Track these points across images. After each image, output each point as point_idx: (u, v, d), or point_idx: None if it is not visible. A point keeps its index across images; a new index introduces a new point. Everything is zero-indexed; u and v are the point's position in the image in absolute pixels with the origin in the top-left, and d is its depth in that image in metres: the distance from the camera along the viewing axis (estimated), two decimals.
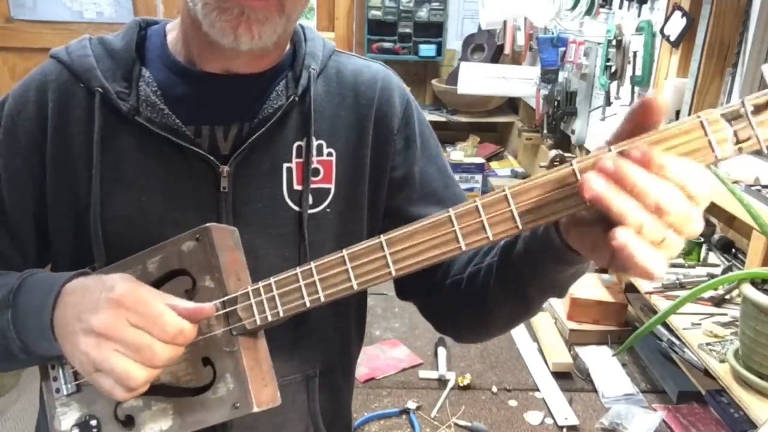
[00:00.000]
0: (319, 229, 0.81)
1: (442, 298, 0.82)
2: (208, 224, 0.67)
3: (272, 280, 0.64)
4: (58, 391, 0.74)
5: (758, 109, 0.47)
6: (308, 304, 0.63)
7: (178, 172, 0.76)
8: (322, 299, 0.62)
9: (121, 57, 0.78)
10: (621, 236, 0.48)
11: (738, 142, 0.48)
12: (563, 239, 0.60)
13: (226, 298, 0.66)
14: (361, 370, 1.40)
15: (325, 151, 0.82)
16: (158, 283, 0.68)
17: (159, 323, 0.61)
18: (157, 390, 0.68)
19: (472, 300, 0.77)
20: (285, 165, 0.79)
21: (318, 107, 0.81)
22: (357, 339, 0.92)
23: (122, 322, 0.60)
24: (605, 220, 0.51)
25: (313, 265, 0.62)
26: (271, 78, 0.80)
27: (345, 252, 0.60)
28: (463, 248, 0.56)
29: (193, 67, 0.78)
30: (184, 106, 0.76)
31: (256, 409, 0.65)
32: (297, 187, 0.79)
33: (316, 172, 0.81)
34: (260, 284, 0.65)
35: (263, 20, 0.69)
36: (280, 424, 0.84)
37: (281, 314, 0.64)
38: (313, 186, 0.80)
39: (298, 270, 0.63)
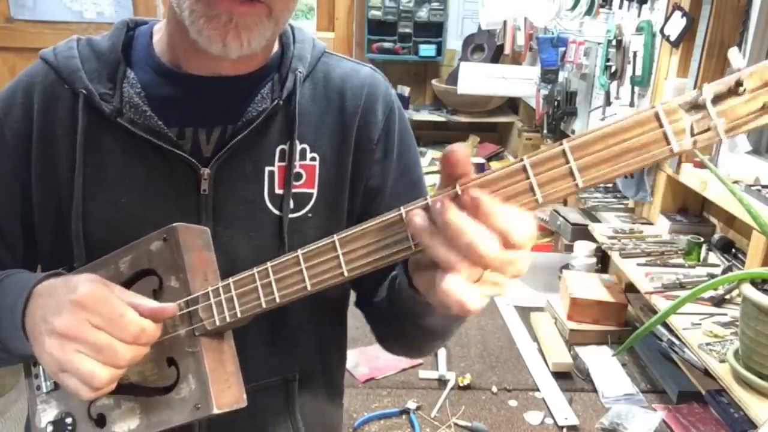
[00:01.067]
0: (299, 233, 0.79)
1: (373, 314, 0.84)
2: (175, 224, 0.67)
3: (231, 280, 0.64)
4: (38, 388, 0.75)
5: (719, 98, 0.44)
6: (264, 305, 0.62)
7: (159, 174, 0.75)
8: (278, 300, 0.61)
9: (106, 58, 0.77)
10: (439, 278, 0.50)
11: (696, 133, 0.45)
12: (413, 284, 0.62)
13: (189, 297, 0.66)
14: (361, 370, 1.40)
15: (308, 155, 0.81)
16: (128, 283, 0.68)
17: (120, 323, 0.61)
18: (126, 389, 0.69)
19: (387, 322, 0.79)
20: (267, 168, 0.78)
21: (303, 111, 0.80)
22: (336, 345, 0.91)
23: (83, 324, 0.61)
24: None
25: (269, 265, 0.61)
26: (257, 80, 0.79)
27: (300, 252, 0.59)
28: (413, 249, 0.54)
29: (178, 69, 0.77)
30: (167, 108, 0.76)
31: (216, 411, 0.65)
32: (278, 191, 0.79)
33: (299, 176, 0.80)
34: (220, 284, 0.65)
35: (252, 26, 0.68)
36: (260, 426, 0.84)
37: (239, 315, 0.64)
38: (294, 190, 0.79)
39: (255, 270, 0.62)
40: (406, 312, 0.68)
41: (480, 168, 2.88)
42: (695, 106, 0.45)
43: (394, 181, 0.86)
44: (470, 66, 2.78)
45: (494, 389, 1.36)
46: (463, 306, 0.50)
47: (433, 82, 3.57)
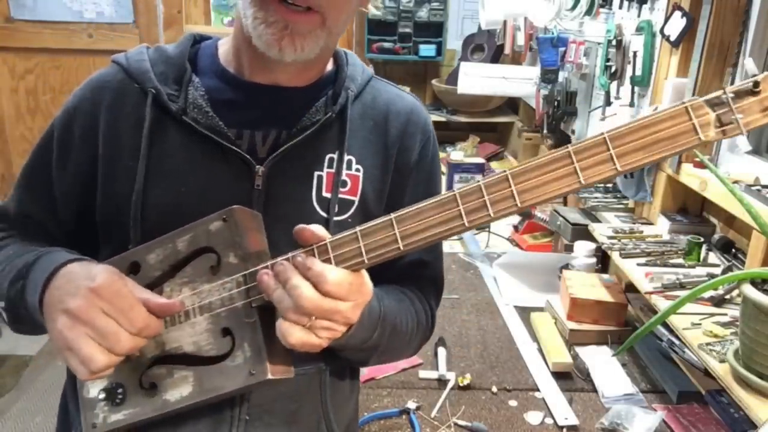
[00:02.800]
0: None
1: None
2: (234, 206, 0.73)
3: (290, 255, 0.69)
4: None
5: (739, 96, 0.54)
6: None
7: (218, 168, 0.83)
8: None
9: (174, 63, 0.86)
10: (276, 323, 0.67)
11: (721, 125, 0.54)
12: None
13: (247, 272, 0.72)
14: (361, 370, 1.40)
15: (354, 166, 0.88)
16: (186, 260, 0.74)
17: (129, 315, 0.68)
18: (179, 359, 0.74)
19: None
20: (316, 173, 0.86)
21: (352, 127, 0.88)
22: None
23: (95, 309, 0.67)
24: None
25: (328, 240, 0.68)
26: (312, 93, 0.87)
27: (357, 229, 0.66)
28: (466, 225, 0.61)
29: (241, 77, 0.85)
30: (228, 110, 0.84)
31: (270, 377, 0.70)
32: (326, 194, 0.86)
33: (344, 183, 0.87)
34: (279, 259, 0.70)
35: (306, 33, 0.76)
36: (295, 410, 0.89)
37: None
38: (340, 196, 0.86)
39: (314, 246, 0.68)
40: None
41: (480, 168, 2.88)
42: (719, 103, 0.54)
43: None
44: (470, 66, 2.78)
45: (494, 389, 1.36)
46: (289, 342, 0.67)
47: (433, 82, 3.57)
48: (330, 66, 0.91)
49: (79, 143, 0.84)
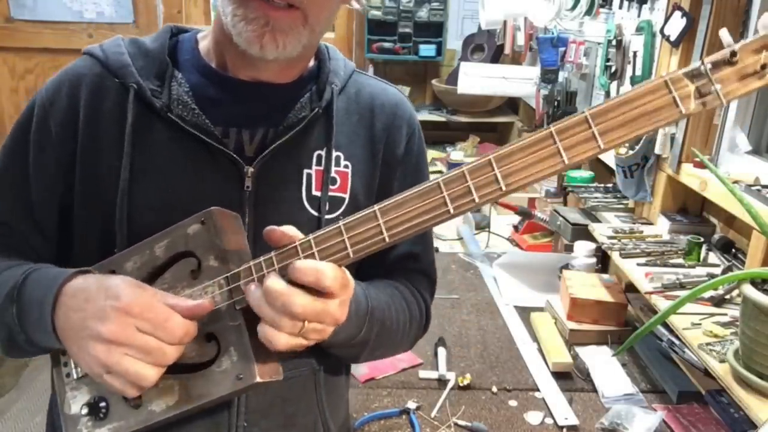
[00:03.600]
0: None
1: None
2: (211, 208, 0.71)
3: (273, 254, 0.68)
4: (68, 375, 0.77)
5: (716, 66, 0.53)
6: None
7: (205, 168, 0.80)
8: None
9: (154, 57, 0.82)
10: (260, 329, 0.66)
11: (701, 96, 0.54)
12: None
13: (229, 274, 0.70)
14: (361, 370, 1.40)
15: (342, 162, 0.87)
16: (165, 266, 0.72)
17: (167, 328, 0.66)
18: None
19: None
20: (305, 171, 0.84)
21: (338, 121, 0.86)
22: None
23: (131, 330, 0.64)
24: None
25: (311, 237, 0.66)
26: (296, 89, 0.86)
27: (341, 223, 0.65)
28: (452, 212, 0.60)
29: (224, 73, 0.83)
30: (213, 108, 0.81)
31: (258, 380, 0.68)
32: (315, 192, 0.84)
33: (334, 180, 0.86)
34: (261, 258, 0.68)
35: (287, 30, 0.74)
36: (292, 414, 0.88)
37: None
38: (330, 194, 0.85)
39: (297, 243, 0.67)
40: None
41: None
42: (698, 75, 0.54)
43: None
44: (470, 66, 2.78)
45: (494, 389, 1.36)
46: (274, 347, 0.66)
47: (433, 82, 3.57)
48: (312, 61, 0.89)
49: (56, 141, 0.80)
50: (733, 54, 0.53)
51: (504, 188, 0.59)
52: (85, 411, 0.75)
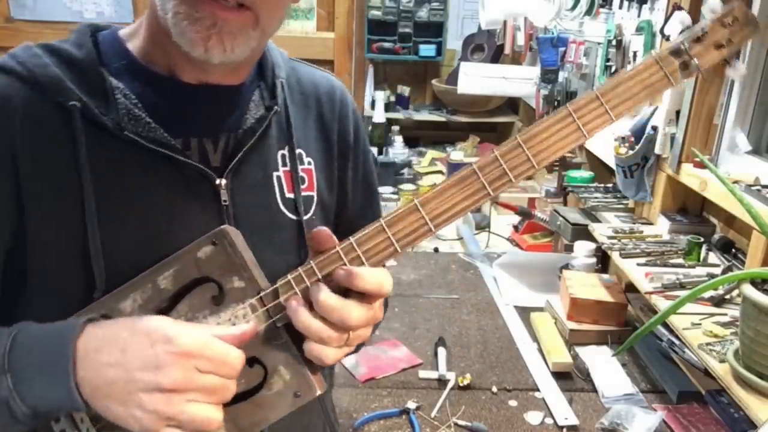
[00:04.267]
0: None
1: None
2: (222, 227, 0.68)
3: (312, 263, 0.66)
4: None
5: (694, 42, 0.67)
6: None
7: (175, 187, 0.73)
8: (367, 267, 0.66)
9: (85, 67, 0.71)
10: (304, 344, 0.65)
11: (685, 68, 0.67)
12: None
13: (263, 293, 0.67)
14: (361, 370, 1.40)
15: (305, 159, 0.83)
16: (177, 297, 0.66)
17: (228, 362, 0.62)
18: None
19: None
20: (275, 174, 0.80)
21: (292, 117, 0.82)
22: None
23: (193, 373, 0.60)
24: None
25: (352, 239, 0.66)
26: (248, 89, 0.80)
27: (382, 221, 0.66)
28: (491, 193, 0.66)
29: (170, 77, 0.74)
30: (167, 118, 0.72)
31: (318, 393, 0.66)
32: (289, 195, 0.81)
33: (303, 180, 0.82)
34: (300, 270, 0.67)
35: (236, 33, 0.67)
36: (306, 423, 0.88)
37: None
38: (302, 193, 0.82)
39: (339, 247, 0.66)
40: None
41: None
42: (677, 52, 0.67)
43: (359, 187, 0.92)
44: (470, 66, 2.78)
45: (494, 389, 1.36)
46: (324, 363, 0.65)
47: (433, 82, 3.57)
48: None
49: None
50: (704, 33, 0.67)
51: (536, 165, 0.66)
52: None
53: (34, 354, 0.62)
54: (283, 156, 0.81)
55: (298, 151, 0.82)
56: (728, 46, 0.67)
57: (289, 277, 0.67)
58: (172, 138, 0.72)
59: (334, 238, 0.67)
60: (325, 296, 0.63)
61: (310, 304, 0.66)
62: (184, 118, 0.74)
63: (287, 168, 0.81)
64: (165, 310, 0.67)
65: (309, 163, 0.84)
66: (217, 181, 0.74)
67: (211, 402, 0.61)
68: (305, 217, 0.81)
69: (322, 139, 0.86)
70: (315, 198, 0.84)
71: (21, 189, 0.68)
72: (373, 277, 0.64)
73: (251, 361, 0.67)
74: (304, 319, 0.64)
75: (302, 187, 0.82)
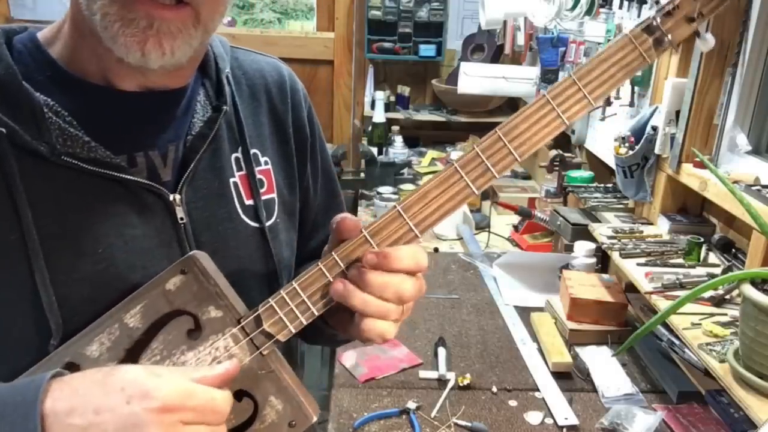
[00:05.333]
0: (276, 240, 0.78)
1: None
2: (190, 253, 0.63)
3: (294, 284, 0.63)
4: None
5: (665, 17, 0.65)
6: None
7: (125, 210, 0.66)
8: None
9: (5, 85, 0.61)
10: (362, 322, 0.63)
11: (658, 45, 0.65)
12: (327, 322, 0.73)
13: (244, 321, 0.62)
14: (361, 370, 1.40)
15: (261, 160, 0.78)
16: (148, 335, 0.61)
17: (214, 409, 0.57)
18: None
19: None
20: (231, 180, 0.74)
21: (241, 115, 0.76)
22: None
23: (178, 427, 0.54)
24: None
25: (335, 254, 0.63)
26: (191, 89, 0.73)
27: (365, 232, 0.63)
28: (476, 192, 0.64)
29: (105, 86, 0.66)
30: (106, 134, 0.65)
31: (314, 419, 0.63)
32: (248, 202, 0.75)
33: (261, 183, 0.77)
34: (282, 292, 0.62)
35: (176, 33, 0.60)
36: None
37: (316, 313, 0.63)
38: (262, 198, 0.76)
39: (320, 264, 0.63)
40: (313, 330, 0.72)
41: None
42: (650, 28, 0.65)
43: (319, 179, 0.88)
44: (470, 66, 2.78)
45: (494, 389, 1.36)
46: (386, 339, 0.64)
47: (433, 82, 3.57)
48: None
49: None
50: (674, 8, 0.65)
51: (518, 157, 0.65)
52: None
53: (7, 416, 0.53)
54: (238, 159, 0.74)
55: (252, 151, 0.76)
56: (699, 19, 0.67)
57: (271, 301, 0.63)
58: (115, 156, 0.65)
59: (360, 222, 0.64)
60: (374, 275, 0.61)
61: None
62: (126, 132, 0.67)
63: (243, 172, 0.75)
64: (137, 349, 0.61)
65: (266, 164, 0.78)
66: (171, 197, 0.68)
67: None
68: (268, 224, 0.76)
69: (276, 135, 0.80)
70: (276, 200, 0.79)
71: None
72: (407, 256, 0.62)
73: (239, 395, 0.63)
74: (361, 297, 0.61)
75: (261, 191, 0.76)
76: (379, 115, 3.18)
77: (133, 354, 0.61)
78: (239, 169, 0.75)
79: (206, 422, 0.56)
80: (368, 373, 1.40)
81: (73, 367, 0.60)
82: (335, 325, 0.73)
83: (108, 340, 0.60)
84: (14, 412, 0.53)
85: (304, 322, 0.63)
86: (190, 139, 0.71)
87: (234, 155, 0.75)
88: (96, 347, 0.61)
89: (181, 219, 0.69)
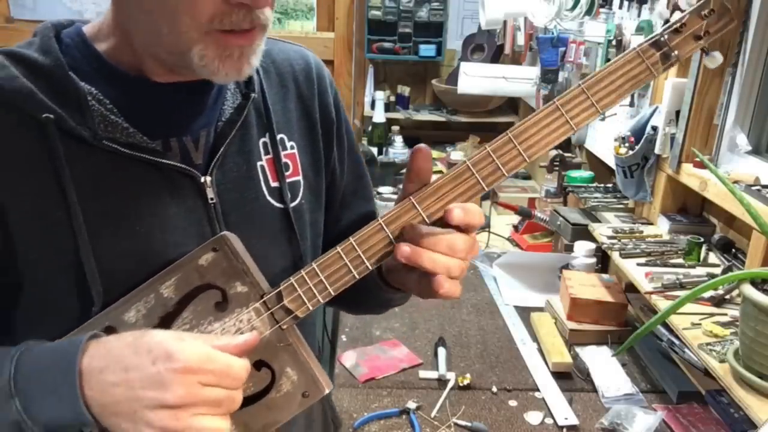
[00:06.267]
0: (300, 221, 0.82)
1: None
2: (222, 233, 0.69)
3: (314, 264, 0.68)
4: None
5: (673, 34, 0.69)
6: (357, 276, 0.68)
7: (161, 191, 0.72)
8: (370, 267, 0.68)
9: (55, 75, 0.68)
10: (438, 282, 0.67)
11: (665, 59, 0.69)
12: (384, 279, 0.79)
13: (266, 296, 0.68)
14: (361, 370, 1.40)
15: (288, 144, 0.82)
16: (180, 306, 0.68)
17: (231, 374, 0.62)
18: None
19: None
20: (258, 164, 0.79)
21: (270, 100, 0.80)
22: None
23: (197, 388, 0.59)
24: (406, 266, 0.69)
25: (352, 239, 0.68)
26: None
27: (380, 220, 0.67)
28: (486, 189, 0.68)
29: (140, 77, 0.72)
30: (143, 121, 0.71)
31: (326, 391, 0.68)
32: (274, 184, 0.80)
33: (287, 166, 0.81)
34: (302, 272, 0.68)
35: (256, 49, 0.68)
36: (309, 413, 0.89)
37: (332, 293, 0.68)
38: (287, 180, 0.81)
39: (338, 248, 0.67)
40: (367, 290, 0.79)
41: None
42: (658, 44, 0.69)
43: (346, 161, 0.92)
44: (470, 66, 2.78)
45: (494, 389, 1.36)
46: (452, 297, 0.68)
47: (433, 82, 3.56)
48: None
49: None
50: (682, 25, 0.69)
51: (527, 159, 0.69)
52: None
53: (40, 376, 0.61)
54: (265, 144, 0.80)
55: (279, 136, 0.81)
56: (705, 37, 0.69)
57: (292, 279, 0.68)
58: (151, 141, 0.70)
59: (430, 162, 0.70)
60: (427, 228, 0.67)
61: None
62: (161, 119, 0.73)
63: (270, 156, 0.80)
64: (169, 318, 0.68)
65: (292, 148, 0.82)
66: (202, 179, 0.74)
67: (217, 414, 0.61)
68: (292, 205, 0.81)
69: (303, 120, 0.84)
70: (301, 183, 0.83)
71: (8, 218, 0.66)
72: (479, 212, 0.68)
73: (258, 365, 0.68)
74: (429, 256, 0.66)
75: (287, 173, 0.81)
76: (379, 115, 3.18)
77: (165, 321, 0.67)
78: (266, 153, 0.80)
79: (223, 385, 0.61)
80: (368, 373, 1.40)
81: (111, 330, 0.66)
82: (392, 282, 0.79)
83: (144, 308, 0.67)
84: (56, 367, 0.60)
85: (321, 301, 0.68)
86: (221, 125, 0.76)
87: (261, 140, 0.79)
88: (133, 314, 0.67)
89: (212, 199, 0.74)
